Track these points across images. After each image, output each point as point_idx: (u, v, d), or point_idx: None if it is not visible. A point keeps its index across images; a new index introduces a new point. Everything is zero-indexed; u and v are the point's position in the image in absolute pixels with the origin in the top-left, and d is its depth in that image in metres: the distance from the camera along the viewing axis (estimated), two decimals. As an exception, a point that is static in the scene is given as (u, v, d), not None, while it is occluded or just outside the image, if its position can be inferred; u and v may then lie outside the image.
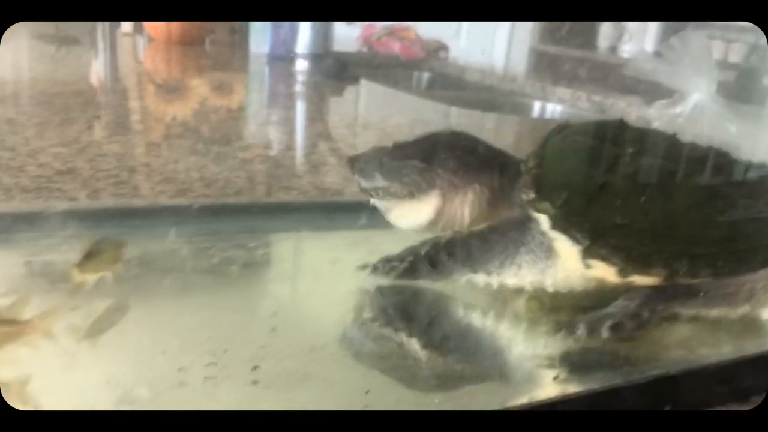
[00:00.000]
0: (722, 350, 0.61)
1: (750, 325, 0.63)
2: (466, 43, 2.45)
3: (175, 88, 1.74)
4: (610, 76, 1.94)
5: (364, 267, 0.65)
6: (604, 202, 0.59)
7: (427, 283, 0.63)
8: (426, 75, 2.41)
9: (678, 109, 1.46)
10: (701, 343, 0.62)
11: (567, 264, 0.59)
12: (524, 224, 0.61)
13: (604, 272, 0.58)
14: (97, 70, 1.75)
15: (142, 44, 2.16)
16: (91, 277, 0.56)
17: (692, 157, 0.65)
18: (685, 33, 1.41)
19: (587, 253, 0.57)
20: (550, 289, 0.61)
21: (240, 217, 0.83)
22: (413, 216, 0.64)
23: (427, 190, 0.63)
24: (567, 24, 1.93)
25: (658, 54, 1.55)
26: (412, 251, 0.63)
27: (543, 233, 0.59)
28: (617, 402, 0.53)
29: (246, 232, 0.78)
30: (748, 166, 0.67)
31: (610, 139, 0.65)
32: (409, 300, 0.64)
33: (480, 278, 0.62)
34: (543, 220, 0.59)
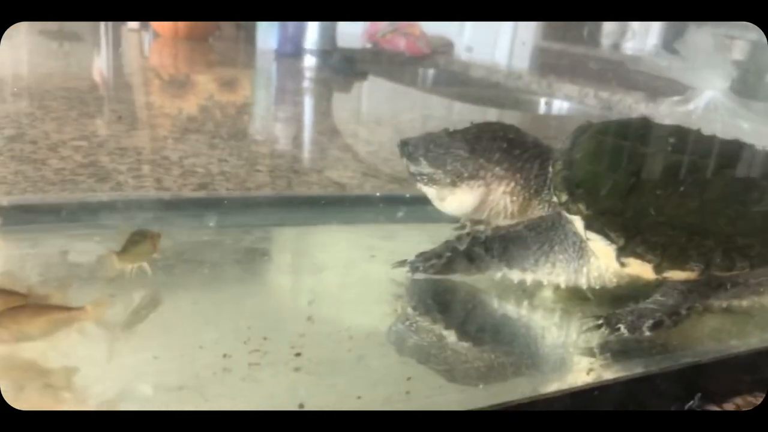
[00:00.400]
0: (750, 341, 0.62)
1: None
2: (471, 40, 2.44)
3: (183, 84, 1.75)
4: (617, 72, 1.93)
5: (401, 263, 0.66)
6: (636, 200, 0.61)
7: (459, 277, 0.65)
8: (431, 71, 2.41)
9: (691, 106, 1.45)
10: (730, 335, 0.63)
11: (602, 262, 0.61)
12: (558, 223, 0.62)
13: (640, 269, 0.59)
14: (100, 67, 1.76)
15: (147, 40, 2.17)
16: (130, 266, 0.59)
17: (719, 151, 0.66)
18: (699, 29, 1.39)
19: (623, 252, 0.58)
20: (584, 287, 0.62)
21: (266, 209, 0.85)
22: (457, 203, 0.67)
23: (469, 179, 0.66)
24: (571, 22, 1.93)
25: (671, 50, 1.54)
26: (450, 246, 0.64)
27: (576, 233, 0.61)
28: (650, 389, 0.54)
29: (275, 225, 0.81)
30: None
31: (637, 137, 0.66)
32: (444, 292, 0.65)
33: (515, 274, 0.63)
34: (577, 222, 0.60)
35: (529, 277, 0.63)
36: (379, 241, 0.78)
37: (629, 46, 2.02)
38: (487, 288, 0.65)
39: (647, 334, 0.58)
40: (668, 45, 1.63)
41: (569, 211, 0.61)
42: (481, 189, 0.66)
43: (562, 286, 0.63)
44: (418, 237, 0.74)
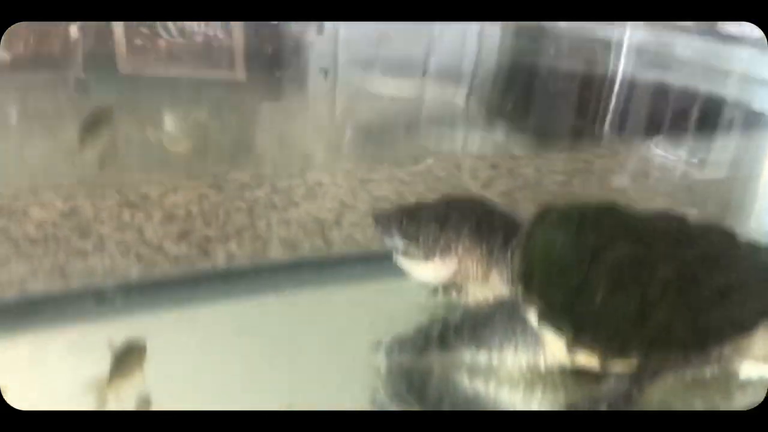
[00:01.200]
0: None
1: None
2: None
3: None
4: None
5: (377, 346, 0.65)
6: (586, 294, 0.62)
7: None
8: None
9: None
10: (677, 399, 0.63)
11: (554, 352, 0.62)
12: (517, 309, 0.63)
13: (588, 360, 0.60)
14: None
15: None
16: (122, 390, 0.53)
17: (673, 238, 0.67)
18: None
19: (572, 343, 0.60)
20: (542, 370, 0.63)
21: None
22: (431, 274, 0.69)
23: (442, 253, 0.68)
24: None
25: None
26: (423, 333, 0.65)
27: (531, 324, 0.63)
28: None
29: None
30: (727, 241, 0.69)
31: (593, 228, 0.67)
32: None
33: (482, 357, 0.64)
34: (531, 313, 0.62)
35: (495, 359, 0.64)
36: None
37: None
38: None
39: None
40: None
41: (525, 302, 0.62)
42: (452, 261, 0.68)
43: (524, 366, 0.64)
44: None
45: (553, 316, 0.61)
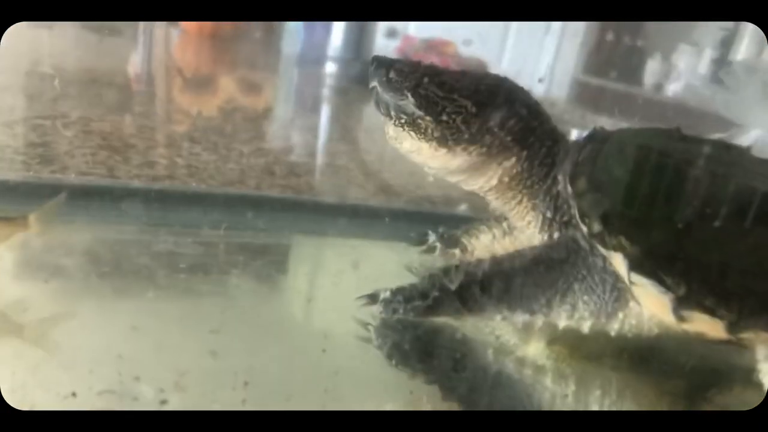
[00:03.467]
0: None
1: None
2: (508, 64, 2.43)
3: (204, 83, 1.73)
4: (657, 109, 1.90)
5: (371, 299, 0.53)
6: (699, 237, 0.48)
7: (443, 319, 0.53)
8: None
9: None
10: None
11: (647, 311, 0.49)
12: (576, 254, 0.51)
13: (707, 326, 0.47)
14: (135, 62, 1.74)
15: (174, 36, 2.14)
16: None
17: None
18: (751, 59, 1.29)
19: (684, 303, 0.46)
20: (613, 334, 0.51)
21: (216, 207, 0.77)
22: (438, 163, 0.54)
23: (468, 142, 0.52)
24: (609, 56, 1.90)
25: (716, 80, 1.42)
26: (437, 284, 0.51)
27: (609, 271, 0.49)
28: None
29: (215, 227, 0.70)
30: None
31: (678, 154, 0.53)
32: (423, 335, 0.53)
33: (519, 317, 0.52)
34: (617, 260, 0.48)
35: (539, 321, 0.52)
36: (346, 263, 0.66)
37: (673, 82, 1.96)
38: (474, 333, 0.53)
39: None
40: (714, 75, 1.54)
41: (606, 246, 0.48)
42: (477, 158, 0.53)
43: (585, 331, 0.51)
44: (396, 258, 0.63)
45: (654, 263, 0.47)
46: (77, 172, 0.81)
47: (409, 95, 0.52)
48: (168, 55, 2.03)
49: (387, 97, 0.53)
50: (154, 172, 0.87)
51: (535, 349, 0.52)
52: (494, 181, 0.54)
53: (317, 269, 0.68)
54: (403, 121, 0.52)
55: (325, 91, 1.89)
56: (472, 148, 0.52)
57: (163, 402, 0.42)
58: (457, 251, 0.64)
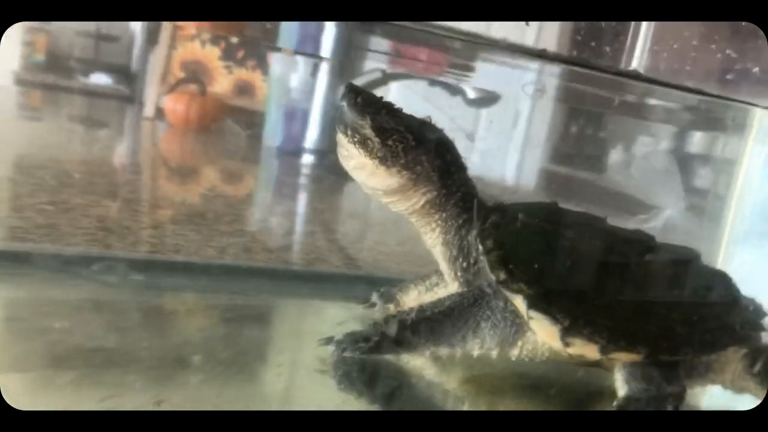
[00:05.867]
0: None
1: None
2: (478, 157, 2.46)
3: (189, 173, 1.83)
4: (600, 194, 1.94)
5: (328, 341, 0.64)
6: (577, 282, 0.63)
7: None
8: None
9: (652, 224, 1.44)
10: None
11: (544, 341, 0.62)
12: (481, 299, 0.63)
13: (585, 350, 0.60)
14: (120, 153, 1.83)
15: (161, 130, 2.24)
16: None
17: (635, 240, 0.70)
18: (652, 152, 1.40)
19: (568, 332, 0.60)
20: (514, 359, 0.64)
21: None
22: (370, 177, 0.65)
23: (401, 167, 0.64)
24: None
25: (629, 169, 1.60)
26: (378, 331, 0.63)
27: (508, 310, 0.63)
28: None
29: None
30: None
31: (560, 222, 0.68)
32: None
33: (443, 351, 0.64)
34: (518, 301, 0.61)
35: (458, 352, 0.64)
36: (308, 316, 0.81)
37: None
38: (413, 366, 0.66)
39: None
40: (627, 163, 1.70)
41: (509, 290, 0.61)
42: (407, 181, 0.64)
43: (494, 356, 0.63)
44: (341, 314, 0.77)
45: (545, 302, 0.61)
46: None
47: (368, 118, 0.62)
48: (155, 147, 2.14)
49: (350, 116, 0.63)
50: (145, 248, 0.98)
51: (455, 380, 0.66)
52: (417, 206, 0.66)
53: (284, 322, 0.83)
54: (356, 139, 0.63)
55: (302, 180, 2.01)
56: (404, 172, 0.64)
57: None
58: (391, 306, 0.78)
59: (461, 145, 0.68)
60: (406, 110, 0.65)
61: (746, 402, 0.64)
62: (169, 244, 1.01)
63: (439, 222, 0.67)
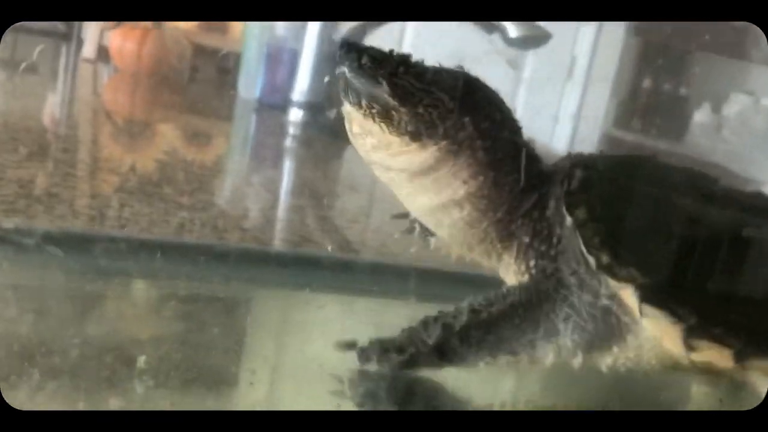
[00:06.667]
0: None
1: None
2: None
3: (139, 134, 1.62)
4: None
5: (349, 347, 0.52)
6: (701, 268, 0.50)
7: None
8: None
9: None
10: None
11: (658, 345, 0.49)
12: (555, 292, 0.50)
13: (714, 356, 0.48)
14: (52, 106, 1.60)
15: (106, 74, 1.98)
16: None
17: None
18: (751, 108, 1.25)
19: (694, 333, 0.47)
20: (604, 370, 0.51)
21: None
22: (396, 158, 0.51)
23: (439, 140, 0.50)
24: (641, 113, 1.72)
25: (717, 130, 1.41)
26: (415, 339, 0.50)
27: (608, 309, 0.50)
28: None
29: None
30: None
31: (668, 183, 0.55)
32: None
33: (502, 359, 0.50)
34: (627, 293, 0.48)
35: (524, 362, 0.50)
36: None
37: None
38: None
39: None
40: (716, 125, 1.48)
41: (616, 278, 0.49)
42: (443, 157, 0.50)
43: (576, 366, 0.50)
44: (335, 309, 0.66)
45: (664, 294, 0.48)
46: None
47: (384, 83, 0.48)
48: (96, 96, 1.86)
49: (358, 84, 0.49)
50: (79, 222, 0.85)
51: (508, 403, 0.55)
52: (461, 192, 0.52)
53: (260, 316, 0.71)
54: (374, 111, 0.49)
55: (287, 142, 1.70)
56: (443, 143, 0.50)
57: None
58: (433, 240, 0.62)
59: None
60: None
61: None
62: (111, 218, 0.86)
63: (495, 211, 0.52)
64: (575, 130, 1.65)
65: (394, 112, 0.48)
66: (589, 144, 1.74)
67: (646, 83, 1.59)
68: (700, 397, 0.55)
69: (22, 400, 0.38)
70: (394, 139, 0.49)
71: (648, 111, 1.66)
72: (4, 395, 0.42)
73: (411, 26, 1.30)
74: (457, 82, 0.51)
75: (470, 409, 0.51)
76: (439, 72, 0.51)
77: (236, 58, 1.79)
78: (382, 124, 0.49)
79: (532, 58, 1.37)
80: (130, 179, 1.08)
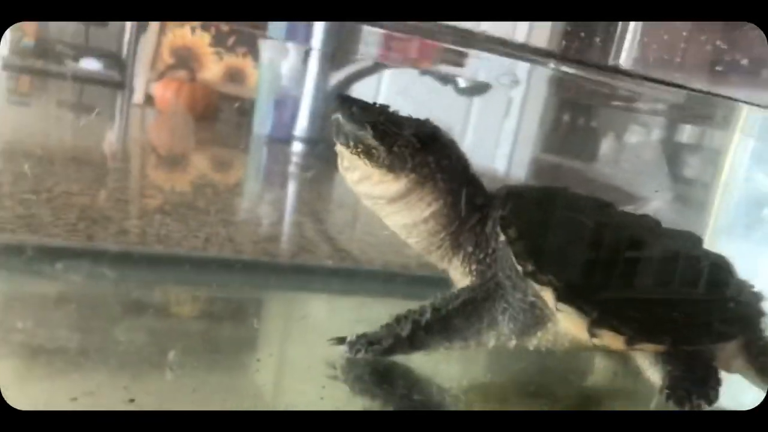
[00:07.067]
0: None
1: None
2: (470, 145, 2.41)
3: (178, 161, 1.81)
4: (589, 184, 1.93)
5: (339, 341, 0.65)
6: (601, 273, 0.64)
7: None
8: None
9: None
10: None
11: (568, 333, 0.62)
12: (495, 292, 0.63)
13: (611, 341, 0.61)
14: (110, 140, 1.80)
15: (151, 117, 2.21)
16: None
17: (658, 233, 0.72)
18: (639, 143, 1.42)
19: (596, 325, 0.60)
20: (532, 348, 0.65)
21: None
22: (375, 186, 0.63)
23: (410, 170, 0.62)
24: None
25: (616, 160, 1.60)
26: (392, 332, 0.63)
27: (534, 304, 0.63)
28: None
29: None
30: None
31: (576, 208, 0.69)
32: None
33: (456, 345, 0.64)
34: (547, 293, 0.61)
35: (473, 346, 0.64)
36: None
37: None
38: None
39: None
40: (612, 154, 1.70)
41: (538, 282, 0.61)
42: (413, 185, 0.63)
43: (511, 347, 0.64)
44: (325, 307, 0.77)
45: (574, 294, 0.61)
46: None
47: (368, 128, 0.61)
48: (144, 134, 2.12)
49: (348, 128, 0.62)
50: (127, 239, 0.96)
51: (466, 383, 0.67)
52: (427, 212, 0.65)
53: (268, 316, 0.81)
54: (359, 149, 0.62)
55: (291, 168, 1.98)
56: (412, 175, 0.63)
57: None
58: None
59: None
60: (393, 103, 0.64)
61: (747, 397, 0.66)
62: (151, 235, 1.01)
63: (450, 225, 0.66)
64: (512, 153, 2.01)
65: (374, 150, 0.61)
66: (522, 164, 2.09)
67: (565, 118, 1.90)
68: (600, 368, 0.71)
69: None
70: (375, 172, 0.62)
71: (566, 140, 1.97)
72: (3, 395, 0.42)
73: (387, 75, 1.68)
74: (424, 129, 0.64)
75: (437, 385, 0.65)
76: (410, 120, 0.64)
77: (251, 102, 2.13)
78: (366, 160, 0.61)
79: (478, 101, 1.76)
80: (170, 200, 1.27)
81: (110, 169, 1.46)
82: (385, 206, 0.65)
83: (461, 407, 0.63)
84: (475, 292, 0.64)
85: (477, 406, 0.63)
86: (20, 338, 0.58)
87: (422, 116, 0.66)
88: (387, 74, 1.71)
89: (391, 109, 0.64)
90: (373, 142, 0.61)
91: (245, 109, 2.23)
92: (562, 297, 0.60)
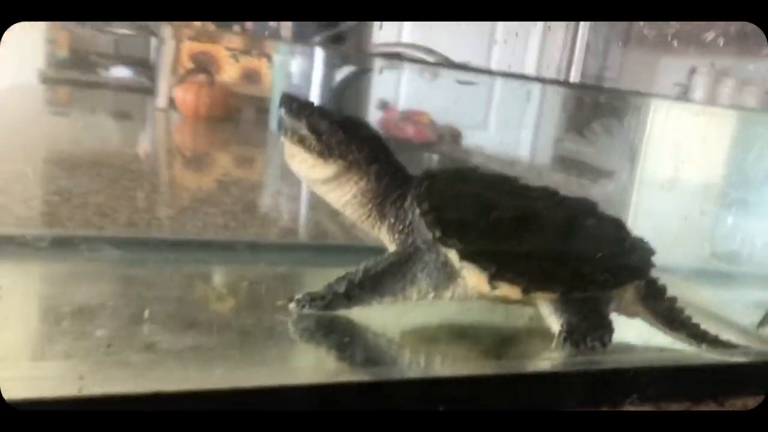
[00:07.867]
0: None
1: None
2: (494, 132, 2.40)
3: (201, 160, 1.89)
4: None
5: (289, 300, 0.74)
6: (500, 235, 0.74)
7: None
8: (435, 157, 2.42)
9: (609, 188, 1.57)
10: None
11: (469, 283, 0.73)
12: (415, 255, 0.74)
13: (509, 291, 0.72)
14: (143, 143, 1.92)
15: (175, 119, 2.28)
16: None
17: (553, 200, 0.83)
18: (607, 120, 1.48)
19: (494, 277, 0.71)
20: (448, 300, 0.75)
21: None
22: (311, 170, 0.74)
23: (336, 157, 0.73)
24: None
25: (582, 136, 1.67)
26: (331, 290, 0.73)
27: (441, 261, 0.73)
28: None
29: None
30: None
31: (481, 183, 0.81)
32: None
33: (388, 300, 0.74)
34: (452, 254, 0.72)
35: (400, 299, 0.74)
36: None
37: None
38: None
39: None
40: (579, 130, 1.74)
41: (445, 245, 0.72)
42: (341, 169, 0.74)
43: (430, 300, 0.74)
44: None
45: (475, 253, 0.72)
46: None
47: (304, 120, 0.73)
48: (168, 135, 2.21)
49: (288, 121, 0.73)
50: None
51: (399, 330, 0.78)
52: (354, 191, 0.76)
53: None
54: (296, 138, 0.73)
55: None
56: (339, 161, 0.74)
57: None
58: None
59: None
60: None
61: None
62: (189, 226, 1.15)
63: (375, 200, 0.76)
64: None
65: (308, 139, 0.72)
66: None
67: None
68: (517, 314, 0.80)
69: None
70: (309, 157, 0.73)
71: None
72: (3, 395, 0.42)
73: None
74: (348, 122, 0.75)
75: (373, 332, 0.75)
76: (341, 116, 0.74)
77: (268, 101, 2.19)
78: (302, 147, 0.73)
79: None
80: (198, 195, 1.41)
81: (144, 172, 1.58)
82: (321, 186, 0.76)
83: (395, 349, 0.76)
84: (399, 255, 0.74)
85: (409, 348, 0.75)
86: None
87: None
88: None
89: (328, 109, 0.75)
90: (306, 132, 0.72)
91: (263, 108, 2.27)
92: (464, 256, 0.71)
